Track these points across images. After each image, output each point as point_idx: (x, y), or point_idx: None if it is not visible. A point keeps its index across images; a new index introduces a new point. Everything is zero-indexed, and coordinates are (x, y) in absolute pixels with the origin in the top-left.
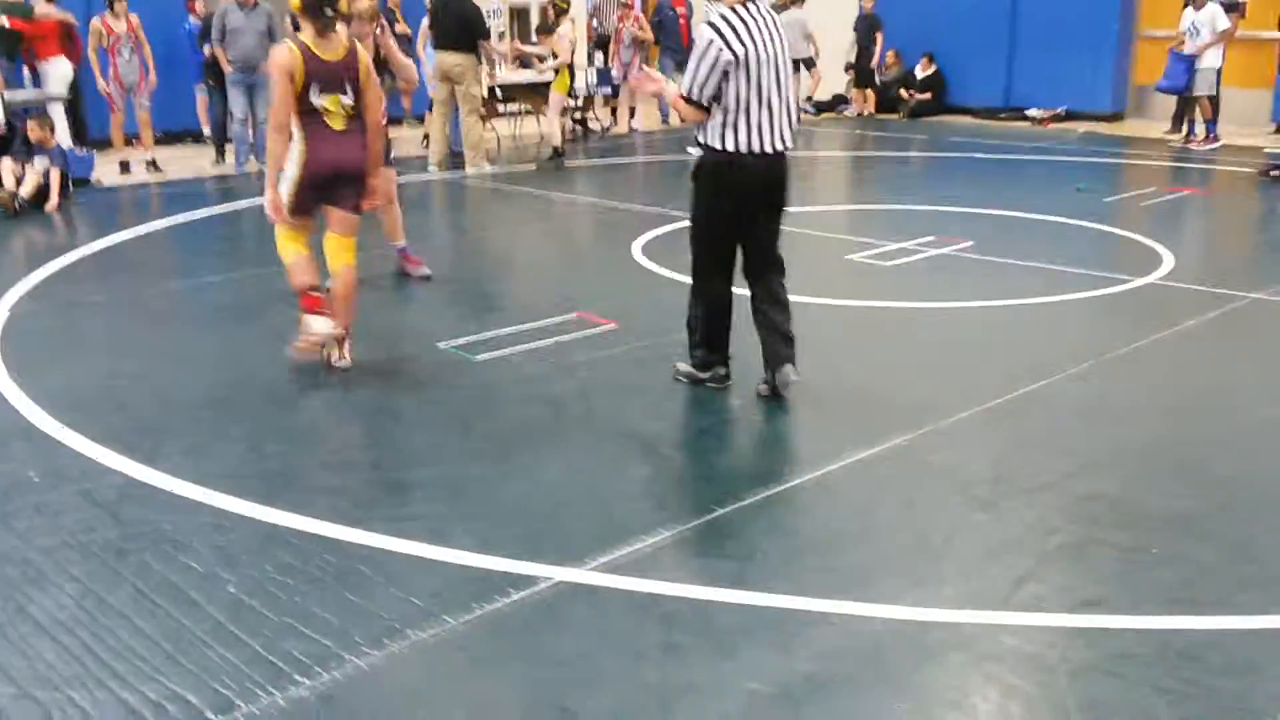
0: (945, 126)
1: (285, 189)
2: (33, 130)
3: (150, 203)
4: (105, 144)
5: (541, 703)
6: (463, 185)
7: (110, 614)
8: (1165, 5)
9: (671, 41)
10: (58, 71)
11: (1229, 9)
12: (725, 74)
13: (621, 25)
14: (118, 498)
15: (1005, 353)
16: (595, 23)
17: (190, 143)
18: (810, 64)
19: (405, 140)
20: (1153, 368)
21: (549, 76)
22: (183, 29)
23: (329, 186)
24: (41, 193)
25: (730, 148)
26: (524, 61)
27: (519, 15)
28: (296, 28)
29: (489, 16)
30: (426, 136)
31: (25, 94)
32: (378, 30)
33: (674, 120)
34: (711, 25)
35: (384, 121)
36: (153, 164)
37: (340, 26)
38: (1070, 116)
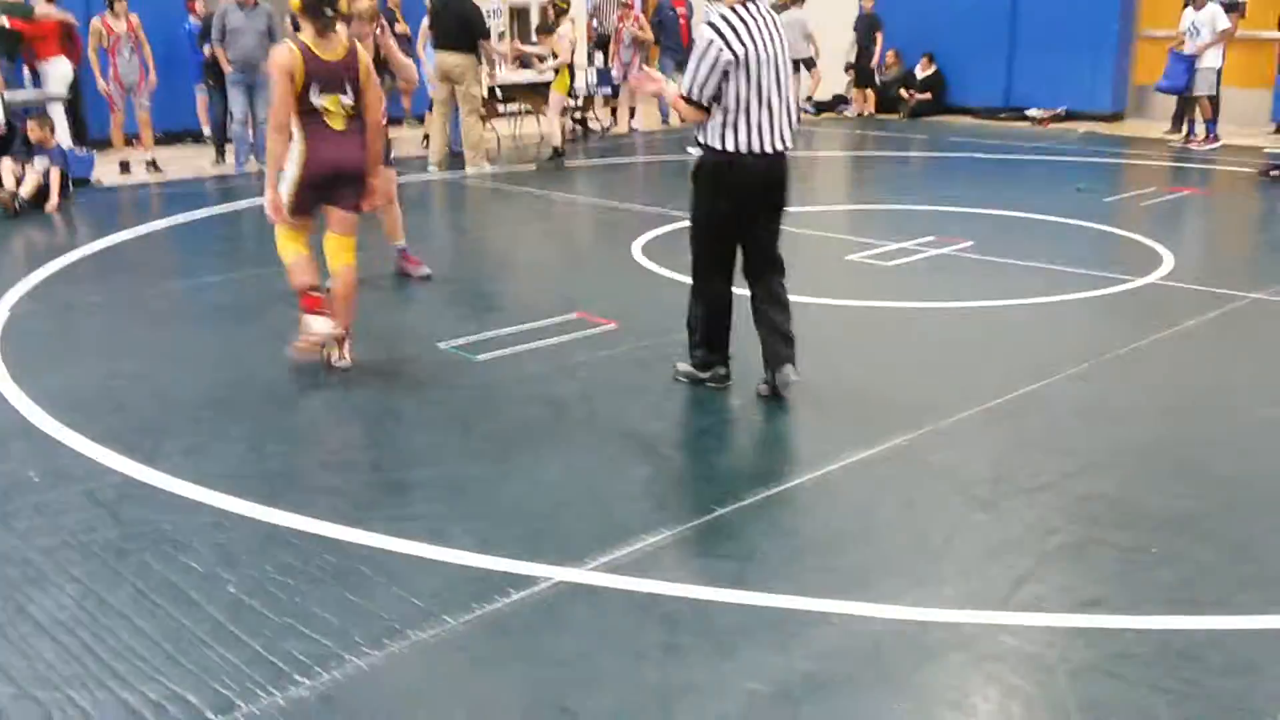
0: (945, 126)
1: (285, 189)
2: (33, 130)
3: (150, 203)
4: (105, 144)
5: (541, 703)
6: (463, 185)
7: (110, 614)
8: (1165, 5)
9: (671, 41)
10: (57, 71)
11: (1229, 9)
12: (725, 74)
13: (622, 25)
14: (118, 498)
15: (1005, 353)
16: (595, 22)
17: (190, 143)
18: (810, 64)
19: (405, 140)
20: (1152, 368)
21: (549, 76)
22: (183, 29)
23: (329, 186)
24: (41, 193)
25: (730, 148)
26: (524, 61)
27: (519, 15)
28: (297, 28)
29: (489, 16)
30: (427, 136)
31: (25, 94)
32: (378, 30)
33: (674, 120)
34: (711, 25)
35: (384, 121)
36: (153, 164)
37: (340, 26)
38: (1070, 116)
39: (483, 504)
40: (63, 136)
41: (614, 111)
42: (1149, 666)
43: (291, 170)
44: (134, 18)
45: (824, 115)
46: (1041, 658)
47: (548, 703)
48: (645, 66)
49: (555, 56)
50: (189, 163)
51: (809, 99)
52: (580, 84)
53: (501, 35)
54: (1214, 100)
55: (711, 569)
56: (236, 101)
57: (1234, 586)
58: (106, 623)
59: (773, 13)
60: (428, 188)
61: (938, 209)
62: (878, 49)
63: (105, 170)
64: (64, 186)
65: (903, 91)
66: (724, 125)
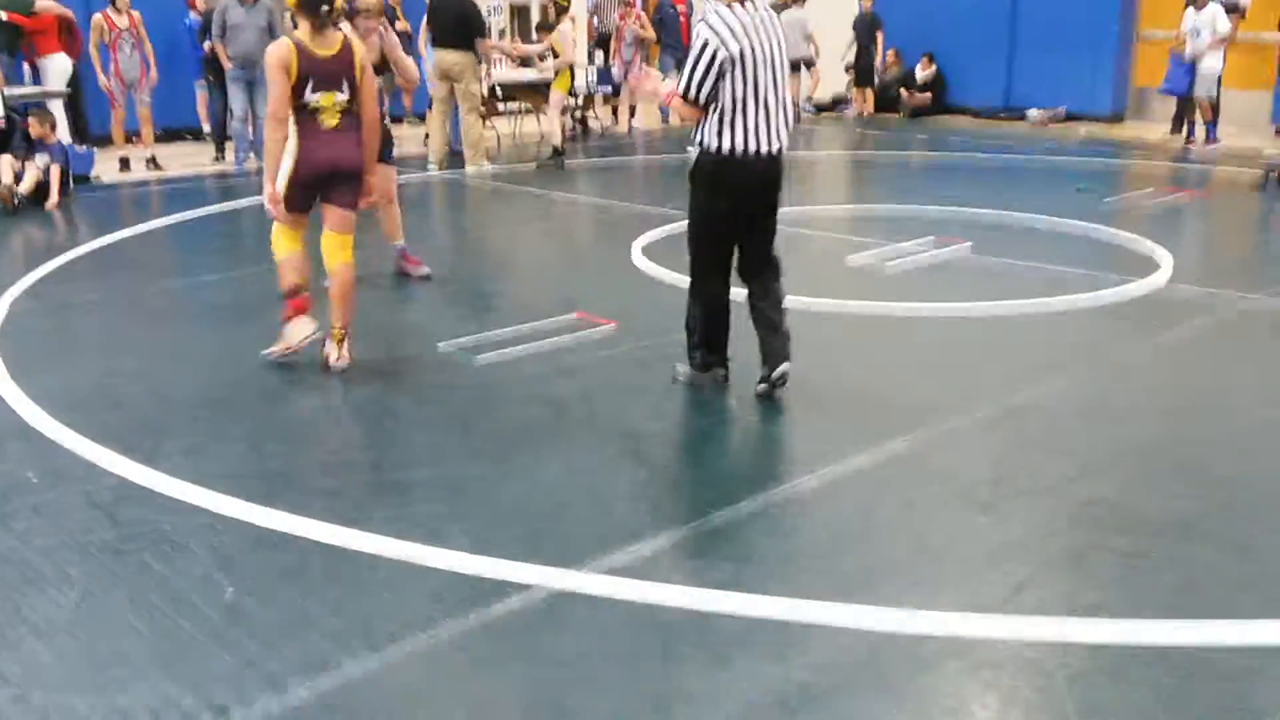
0: (945, 127)
1: (281, 184)
2: (33, 126)
3: (150, 200)
4: (106, 140)
5: (540, 705)
6: (462, 184)
7: (107, 616)
8: (1166, 6)
9: (672, 39)
10: (57, 67)
11: (1229, 9)
12: (722, 73)
13: (623, 23)
14: (115, 498)
15: (1004, 355)
16: (595, 20)
17: (190, 139)
18: (810, 64)
19: (406, 138)
20: (1152, 369)
21: (550, 75)
22: (183, 25)
23: (324, 184)
24: (41, 189)
25: (727, 148)
26: (524, 60)
27: (519, 13)
28: (296, 25)
29: (489, 14)
30: (428, 135)
31: (25, 90)
32: (381, 28)
33: (674, 120)
34: (708, 23)
35: (387, 119)
36: (153, 161)
37: (345, 24)
38: (1070, 117)
39: (481, 505)
40: (63, 132)
41: (615, 110)
42: (1149, 668)
43: (287, 165)
44: (135, 14)
45: (824, 115)
46: (1041, 663)
47: (546, 705)
48: (645, 65)
49: (556, 55)
50: (189, 159)
51: (809, 99)
52: (580, 83)
53: (502, 33)
54: (1214, 103)
55: (709, 572)
56: (236, 98)
57: (1235, 589)
58: (103, 624)
59: (771, 11)
60: (427, 187)
61: (937, 209)
62: (878, 49)
63: (105, 167)
64: (64, 183)
65: (902, 92)
66: (720, 125)
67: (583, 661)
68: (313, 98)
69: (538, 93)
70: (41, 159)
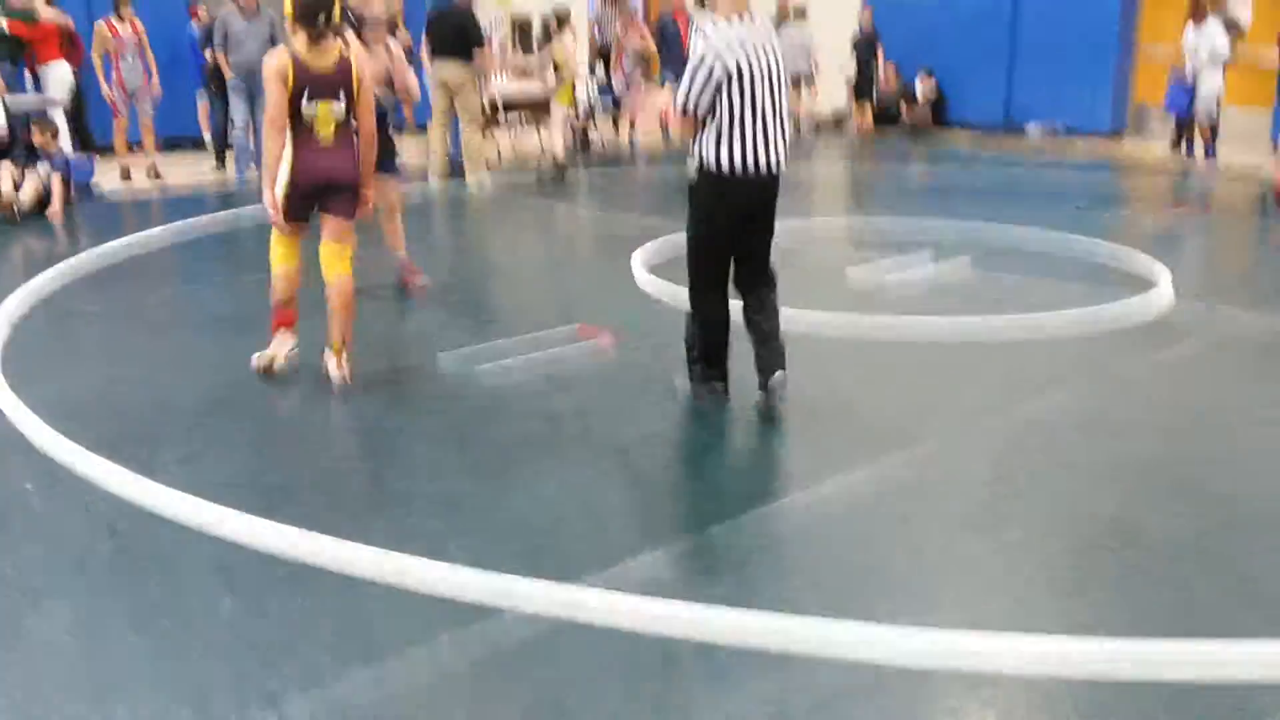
0: (944, 143)
1: (279, 192)
2: (36, 136)
3: (151, 210)
4: (108, 150)
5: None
6: (463, 196)
7: (106, 629)
8: (1166, 24)
9: (673, 52)
10: (58, 76)
11: (1228, 26)
12: (718, 87)
13: (625, 36)
14: (113, 510)
15: (1003, 370)
16: (597, 33)
17: (191, 149)
18: (810, 80)
19: (407, 149)
20: (1152, 386)
21: (550, 87)
22: (184, 34)
23: (319, 195)
24: (42, 199)
25: (725, 163)
26: (524, 72)
27: (520, 28)
28: None
29: (489, 28)
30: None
31: (27, 99)
32: (387, 43)
33: (675, 134)
34: (705, 37)
35: (390, 130)
36: (154, 171)
37: (350, 35)
38: (1069, 134)
39: (481, 519)
40: (65, 142)
41: (616, 124)
42: (1149, 687)
43: (284, 176)
44: (138, 23)
45: (823, 130)
46: (1039, 682)
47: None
48: (646, 81)
49: (557, 69)
50: (190, 169)
51: (811, 121)
52: (581, 94)
53: (502, 46)
54: (1214, 124)
55: (708, 588)
56: (238, 108)
57: (1234, 606)
58: (101, 638)
59: (769, 25)
60: (428, 198)
61: (936, 225)
62: (878, 65)
63: (107, 177)
64: (65, 193)
65: (902, 108)
66: (718, 140)
67: (581, 677)
68: (309, 108)
69: (538, 106)
70: (43, 169)
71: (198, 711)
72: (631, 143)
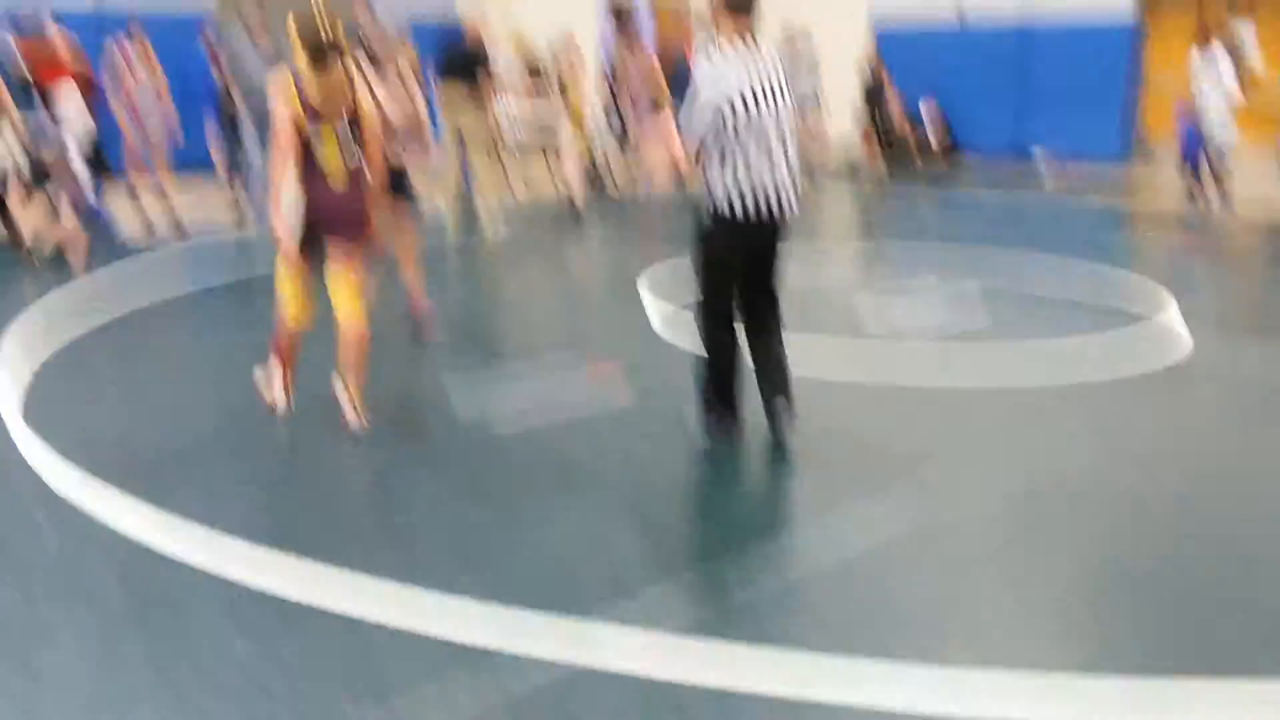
0: (954, 176)
1: (289, 224)
2: (58, 182)
3: (172, 256)
4: (126, 192)
5: None
6: (474, 230)
7: (118, 672)
8: (1174, 55)
9: (682, 83)
10: (80, 121)
11: (1233, 54)
12: (721, 119)
13: (635, 71)
14: (129, 554)
15: (1016, 404)
16: (607, 68)
17: (206, 182)
18: (815, 100)
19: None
20: (1170, 430)
21: (560, 114)
22: (200, 73)
23: (328, 229)
24: (65, 246)
25: (734, 200)
26: (536, 91)
27: (531, 69)
28: None
29: (498, 61)
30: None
31: (49, 145)
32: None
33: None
34: (708, 61)
35: (407, 177)
36: (173, 218)
37: (368, 66)
38: (1079, 166)
39: (492, 558)
40: (87, 189)
41: (628, 158)
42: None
43: (294, 211)
44: (160, 71)
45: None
46: None
47: None
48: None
49: (564, 92)
50: (210, 214)
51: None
52: (592, 127)
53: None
54: (1224, 159)
55: (722, 627)
56: (254, 150)
57: (1253, 647)
58: (114, 682)
59: (773, 50)
60: (439, 232)
61: (946, 256)
62: (887, 98)
63: (127, 224)
64: (88, 242)
65: (911, 141)
66: (726, 178)
67: (595, 717)
68: (314, 141)
69: (551, 137)
70: (66, 215)
71: None
72: (644, 180)
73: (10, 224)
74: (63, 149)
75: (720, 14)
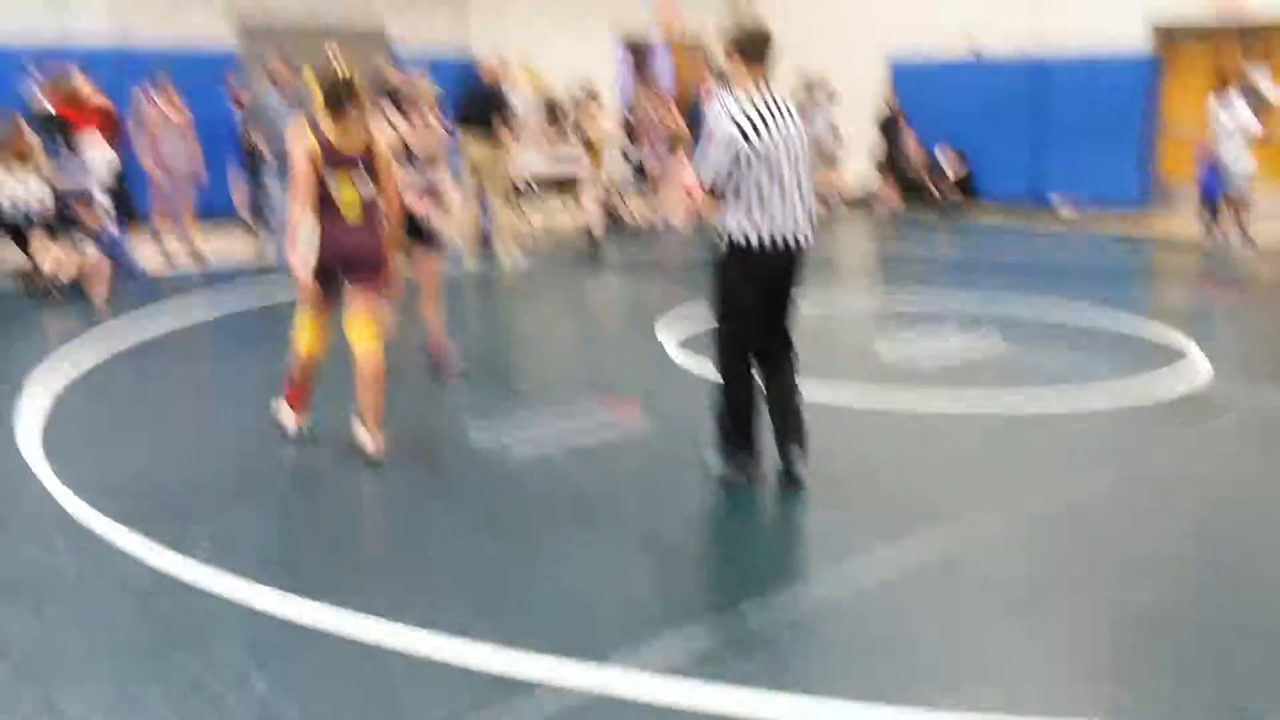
0: (972, 221)
1: (307, 261)
2: (83, 217)
3: (193, 293)
4: (148, 230)
5: None
6: (494, 272)
7: (138, 710)
8: (1192, 100)
9: (700, 129)
10: (101, 158)
11: (1251, 98)
12: (737, 160)
13: (655, 114)
14: (149, 588)
15: (1039, 451)
16: (625, 109)
17: (228, 223)
18: (834, 160)
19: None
20: (1191, 468)
21: (581, 159)
22: (225, 115)
23: (346, 272)
24: (84, 279)
25: (752, 236)
26: (553, 139)
27: (551, 109)
28: None
29: (518, 107)
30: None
31: (72, 181)
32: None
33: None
34: (724, 109)
35: (427, 215)
36: (194, 252)
37: (390, 108)
38: (1098, 211)
39: (510, 599)
40: (109, 224)
41: (644, 198)
42: None
43: (310, 251)
44: (181, 103)
45: (852, 210)
46: None
47: None
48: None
49: (590, 146)
50: (231, 251)
51: (838, 197)
52: (612, 169)
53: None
54: (1245, 201)
55: (739, 672)
56: (277, 193)
57: (1277, 694)
58: (133, 718)
59: (785, 99)
60: (459, 274)
61: (965, 301)
62: (904, 142)
63: (149, 259)
64: (111, 272)
65: (929, 186)
66: (741, 215)
67: None
68: (332, 187)
69: (570, 181)
70: (89, 249)
71: None
72: (663, 220)
73: (31, 258)
74: (87, 193)
75: (734, 60)
